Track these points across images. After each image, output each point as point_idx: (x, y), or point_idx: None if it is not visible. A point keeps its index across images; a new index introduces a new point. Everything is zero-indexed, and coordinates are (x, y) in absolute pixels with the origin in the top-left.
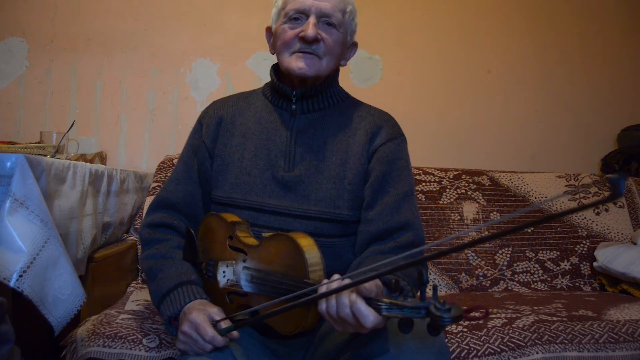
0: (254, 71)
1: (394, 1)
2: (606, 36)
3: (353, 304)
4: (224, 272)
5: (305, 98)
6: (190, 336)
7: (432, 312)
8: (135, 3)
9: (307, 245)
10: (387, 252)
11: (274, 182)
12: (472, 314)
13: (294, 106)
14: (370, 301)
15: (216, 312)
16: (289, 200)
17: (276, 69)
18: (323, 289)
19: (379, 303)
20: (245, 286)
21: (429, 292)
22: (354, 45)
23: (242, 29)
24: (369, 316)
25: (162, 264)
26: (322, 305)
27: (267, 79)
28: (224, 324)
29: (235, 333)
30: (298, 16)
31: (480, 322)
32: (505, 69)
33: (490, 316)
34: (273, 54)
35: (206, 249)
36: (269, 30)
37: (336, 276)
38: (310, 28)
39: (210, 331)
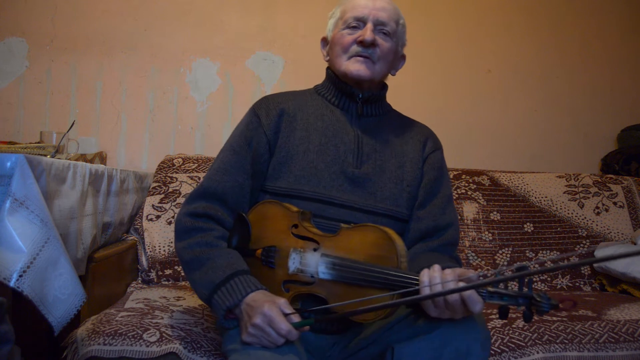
0: (254, 71)
1: (393, 1)
2: (606, 36)
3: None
4: (294, 258)
5: (368, 102)
6: (263, 329)
7: (536, 299)
8: (135, 3)
9: (397, 236)
10: (434, 249)
11: (343, 177)
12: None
13: (359, 108)
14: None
15: (284, 304)
16: (358, 195)
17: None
18: (425, 277)
19: (483, 292)
20: (323, 273)
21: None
22: (403, 57)
23: (242, 29)
24: (478, 303)
25: (210, 253)
26: (426, 291)
27: (267, 78)
28: (295, 318)
29: (305, 330)
30: (356, 24)
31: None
32: (505, 69)
33: (490, 317)
34: (327, 60)
35: (258, 237)
36: (324, 40)
37: (437, 267)
38: (368, 33)
39: (285, 325)
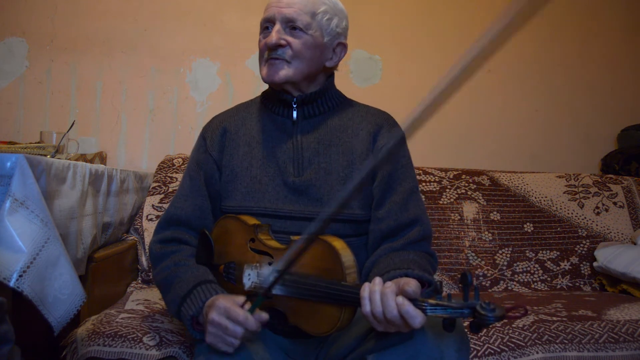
0: (254, 71)
1: (393, 1)
2: (606, 36)
3: (401, 306)
4: (249, 274)
5: (305, 104)
6: (219, 324)
7: (479, 311)
8: (135, 3)
9: (342, 247)
10: (399, 249)
11: (286, 188)
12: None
13: (295, 112)
14: (415, 302)
15: (241, 298)
16: (303, 204)
17: None
18: (365, 292)
19: (424, 304)
20: (275, 289)
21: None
22: (342, 45)
23: (242, 29)
24: (417, 317)
25: (176, 271)
26: (367, 308)
27: None
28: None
29: (265, 315)
30: (267, 25)
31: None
32: (505, 69)
33: None
34: None
35: (221, 252)
36: None
37: (377, 280)
38: (272, 34)
39: (241, 313)
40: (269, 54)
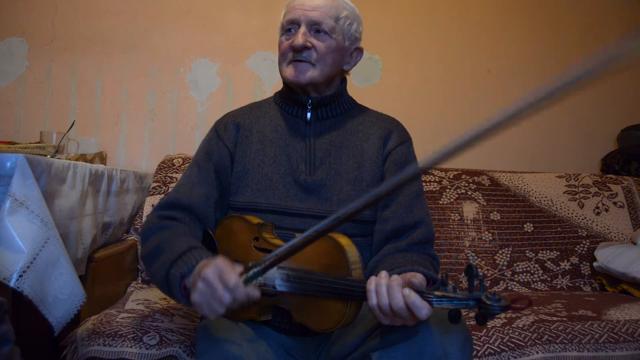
0: (254, 71)
1: (394, 1)
2: (606, 36)
3: (407, 297)
4: (253, 272)
5: (320, 106)
6: (210, 283)
7: (484, 301)
8: (135, 3)
9: (347, 244)
10: (403, 250)
11: (297, 186)
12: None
13: (309, 114)
14: (422, 294)
15: (239, 267)
16: (312, 202)
17: None
18: (372, 285)
19: (430, 296)
20: (280, 285)
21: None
22: (358, 50)
23: (242, 29)
24: (424, 309)
25: (170, 240)
26: (373, 300)
27: (267, 78)
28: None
29: (256, 292)
30: (291, 27)
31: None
32: (505, 69)
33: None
34: None
35: (225, 252)
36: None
37: (383, 273)
38: (298, 37)
39: (234, 279)
40: (294, 55)
